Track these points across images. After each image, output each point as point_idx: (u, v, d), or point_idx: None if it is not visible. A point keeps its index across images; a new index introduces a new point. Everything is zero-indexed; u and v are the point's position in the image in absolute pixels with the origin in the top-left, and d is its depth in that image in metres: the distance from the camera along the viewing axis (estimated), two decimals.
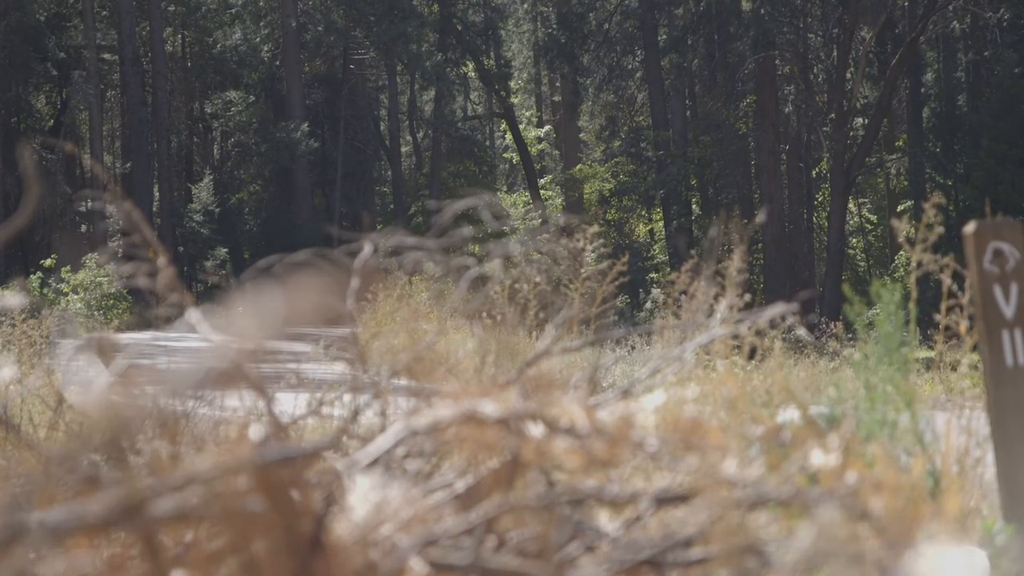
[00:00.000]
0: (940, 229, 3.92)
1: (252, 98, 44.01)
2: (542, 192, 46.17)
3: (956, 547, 1.86)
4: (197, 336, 2.35)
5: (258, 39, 44.81)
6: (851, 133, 36.51)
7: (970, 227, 3.26)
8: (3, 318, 13.77)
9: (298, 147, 41.32)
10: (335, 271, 2.59)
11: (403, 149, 50.47)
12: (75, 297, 28.11)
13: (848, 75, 36.05)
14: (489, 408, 1.90)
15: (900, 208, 38.27)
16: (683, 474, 1.99)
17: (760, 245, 37.51)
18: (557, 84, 50.80)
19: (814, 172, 41.54)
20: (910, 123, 39.42)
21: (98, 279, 28.51)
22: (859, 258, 46.19)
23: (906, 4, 36.90)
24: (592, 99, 44.68)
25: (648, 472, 2.37)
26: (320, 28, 43.69)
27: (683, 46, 39.57)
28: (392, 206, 47.34)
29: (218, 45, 44.68)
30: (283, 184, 43.49)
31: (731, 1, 38.35)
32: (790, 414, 2.96)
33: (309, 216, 41.33)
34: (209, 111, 45.66)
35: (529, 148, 48.04)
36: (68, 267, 28.67)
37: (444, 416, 1.90)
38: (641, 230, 45.51)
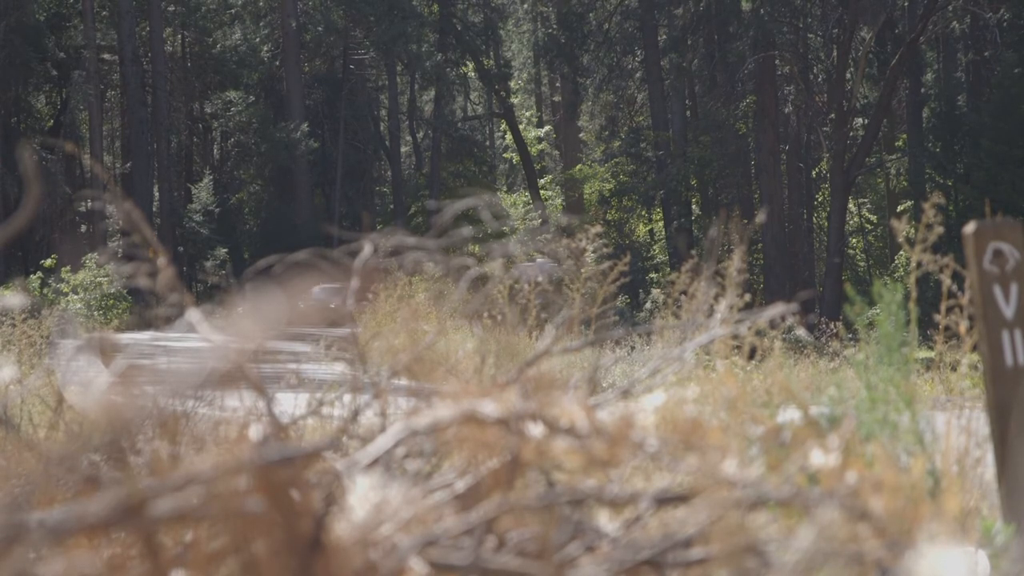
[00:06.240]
0: (940, 229, 3.92)
1: (252, 98, 44.02)
2: (542, 192, 46.18)
3: (956, 547, 1.86)
4: (197, 336, 2.35)
5: (258, 39, 44.82)
6: (851, 133, 36.52)
7: (970, 227, 3.26)
8: (3, 318, 13.77)
9: (298, 147, 41.33)
10: (335, 271, 2.59)
11: (403, 149, 50.47)
12: (75, 297, 28.11)
13: (848, 75, 36.05)
14: (489, 408, 1.90)
15: (900, 208, 38.26)
16: (683, 474, 1.99)
17: (760, 245, 37.51)
18: (557, 84, 50.81)
19: (814, 172, 41.56)
20: (910, 123, 39.42)
21: (98, 279, 28.52)
22: (859, 258, 46.20)
23: (906, 4, 36.90)
24: (592, 99, 44.69)
25: (648, 472, 2.37)
26: (320, 28, 43.70)
27: (683, 46, 39.57)
28: (392, 206, 47.34)
29: (218, 45, 44.69)
30: (283, 184, 43.49)
31: (731, 1, 38.35)
32: (790, 414, 2.96)
33: (309, 216, 41.34)
34: (209, 111, 45.67)
35: (529, 148, 48.05)
36: (68, 267, 28.66)
37: (444, 416, 1.90)
38: (641, 230, 45.52)
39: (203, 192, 42.11)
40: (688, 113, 43.20)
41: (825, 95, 38.29)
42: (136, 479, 1.81)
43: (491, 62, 45.93)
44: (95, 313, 27.52)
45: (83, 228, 42.73)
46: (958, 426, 3.67)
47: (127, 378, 2.47)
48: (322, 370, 6.87)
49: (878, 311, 3.37)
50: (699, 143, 40.22)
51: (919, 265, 3.94)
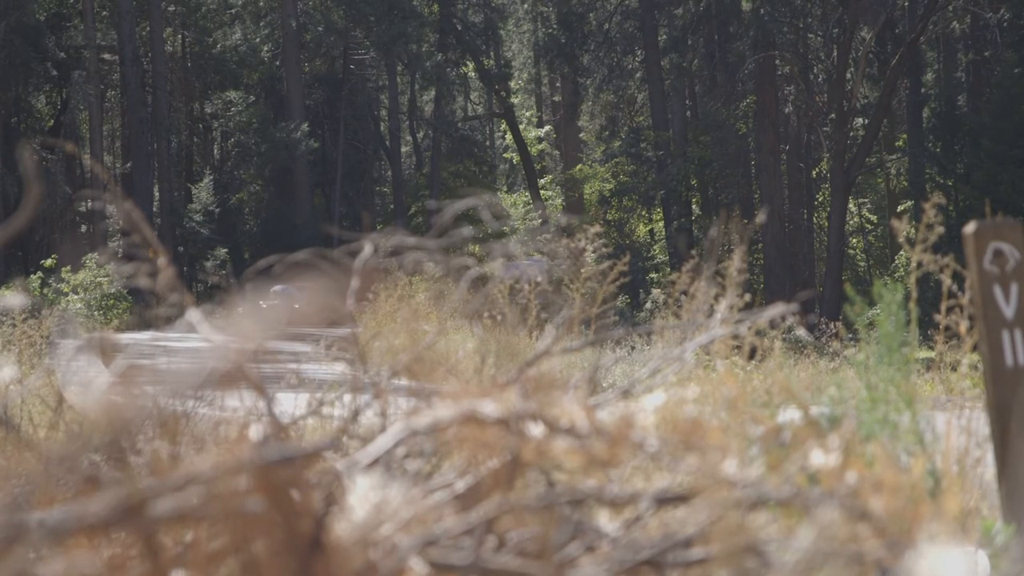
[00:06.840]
0: (940, 229, 3.92)
1: (252, 98, 44.03)
2: (542, 192, 46.19)
3: (956, 547, 1.86)
4: (197, 336, 2.35)
5: (258, 39, 44.83)
6: (851, 133, 36.52)
7: (970, 227, 3.26)
8: (3, 318, 13.78)
9: (298, 147, 41.34)
10: (335, 271, 2.59)
11: (403, 149, 50.48)
12: (75, 297, 28.11)
13: (848, 75, 36.04)
14: (489, 408, 1.90)
15: (900, 208, 38.26)
16: (683, 474, 1.99)
17: (760, 245, 37.51)
18: (557, 84, 50.81)
19: (814, 172, 41.55)
20: (910, 123, 39.42)
21: (98, 279, 28.53)
22: (859, 258, 46.20)
23: (906, 4, 36.89)
24: (592, 99, 44.69)
25: (648, 472, 2.37)
26: (320, 28, 43.70)
27: (683, 46, 39.57)
28: (392, 206, 47.35)
29: (218, 45, 44.70)
30: (283, 184, 43.50)
31: (731, 1, 38.34)
32: (790, 414, 2.95)
33: (309, 216, 41.35)
34: (209, 111, 45.68)
35: (529, 148, 48.05)
36: (68, 267, 28.67)
37: (444, 416, 1.90)
38: (641, 230, 45.52)
39: (203, 192, 42.14)
40: (688, 113, 43.19)
41: (825, 95, 38.28)
42: (136, 479, 1.81)
43: (491, 62, 45.94)
44: (95, 313, 27.53)
45: (83, 228, 42.75)
46: (958, 426, 3.67)
47: (127, 378, 2.47)
48: (322, 370, 6.87)
49: (878, 311, 3.37)
50: (699, 143, 40.21)
51: (919, 265, 3.94)
